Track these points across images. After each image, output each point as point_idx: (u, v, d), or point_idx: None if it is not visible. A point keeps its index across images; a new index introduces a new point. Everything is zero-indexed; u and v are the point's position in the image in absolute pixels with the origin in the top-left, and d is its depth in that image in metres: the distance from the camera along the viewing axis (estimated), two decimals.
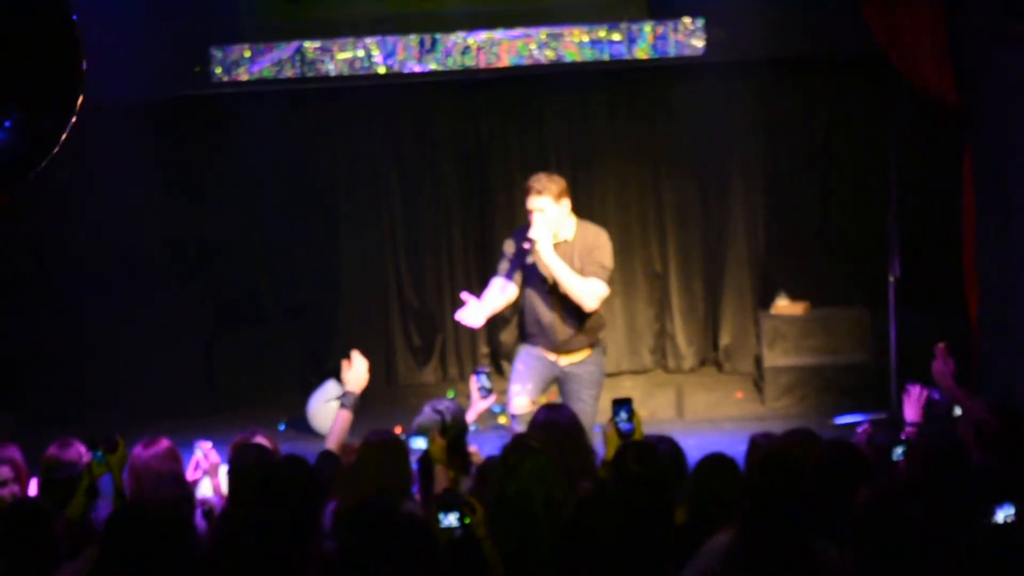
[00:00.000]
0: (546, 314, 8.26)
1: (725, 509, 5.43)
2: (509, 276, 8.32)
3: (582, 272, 8.12)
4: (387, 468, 6.08)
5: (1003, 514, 4.98)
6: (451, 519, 5.29)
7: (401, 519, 5.20)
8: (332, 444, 6.79)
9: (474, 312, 8.14)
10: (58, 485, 6.33)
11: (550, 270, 8.09)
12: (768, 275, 11.73)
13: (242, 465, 6.28)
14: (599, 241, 8.26)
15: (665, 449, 6.14)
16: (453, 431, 6.71)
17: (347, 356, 11.65)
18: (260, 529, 5.19)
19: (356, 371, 7.16)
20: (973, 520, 5.03)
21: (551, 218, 8.09)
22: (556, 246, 8.14)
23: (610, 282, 8.36)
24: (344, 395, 7.08)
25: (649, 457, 5.69)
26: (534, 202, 8.09)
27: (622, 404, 6.31)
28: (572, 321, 8.23)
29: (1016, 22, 8.33)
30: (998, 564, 4.68)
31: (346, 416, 6.93)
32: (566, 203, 8.17)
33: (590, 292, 8.12)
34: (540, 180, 8.14)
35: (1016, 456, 5.95)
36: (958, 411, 6.58)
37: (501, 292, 8.33)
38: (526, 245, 8.20)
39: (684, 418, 10.93)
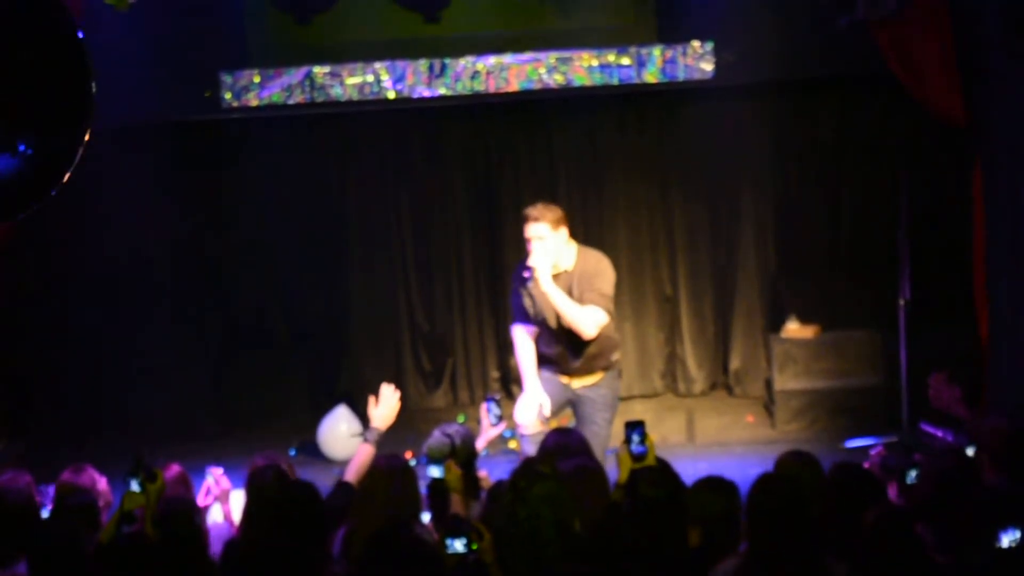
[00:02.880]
0: (554, 342, 8.26)
1: (728, 532, 5.43)
2: (527, 319, 8.31)
3: (581, 300, 8.11)
4: (396, 493, 6.06)
5: (1008, 539, 4.96)
6: (458, 545, 5.27)
7: (410, 544, 5.19)
8: (350, 477, 6.78)
9: (532, 407, 8.17)
10: (73, 509, 6.32)
11: (548, 299, 8.09)
12: (778, 298, 11.71)
13: (259, 485, 6.27)
14: (599, 268, 8.25)
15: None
16: (462, 456, 6.70)
17: (358, 380, 11.82)
18: (270, 553, 5.19)
19: (385, 408, 7.13)
20: (984, 543, 5.01)
21: (549, 247, 8.09)
22: (556, 276, 8.14)
23: (615, 307, 8.36)
24: (369, 431, 7.05)
25: (663, 480, 5.68)
26: (532, 230, 8.10)
27: (635, 427, 6.29)
28: (580, 348, 8.23)
29: (1021, 38, 8.33)
30: None
31: (368, 451, 6.89)
32: (564, 231, 8.16)
33: (588, 320, 8.09)
34: (537, 208, 8.15)
35: None
36: (971, 451, 6.53)
37: (531, 338, 8.35)
38: (526, 274, 8.20)
39: (695, 442, 10.89)
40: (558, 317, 8.16)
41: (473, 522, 5.54)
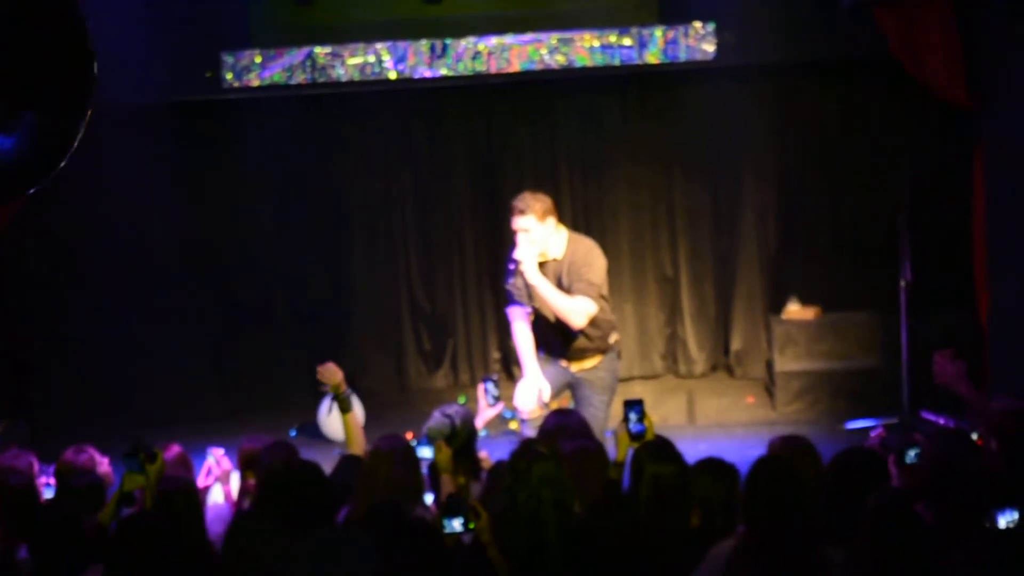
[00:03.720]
0: (550, 328, 8.25)
1: (727, 515, 5.43)
2: (524, 303, 8.30)
3: (570, 289, 8.09)
4: (397, 474, 6.07)
5: (1005, 519, 4.96)
6: (456, 524, 5.30)
7: (410, 524, 5.21)
8: (356, 449, 6.81)
9: (532, 392, 8.16)
10: (77, 490, 6.33)
11: (535, 290, 8.09)
12: (779, 279, 11.72)
13: (270, 463, 6.28)
14: (588, 257, 8.20)
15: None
16: (462, 436, 6.70)
17: (360, 361, 11.87)
18: (278, 532, 5.21)
19: (325, 372, 7.14)
20: (983, 524, 5.02)
21: (536, 238, 8.06)
22: (544, 264, 8.12)
23: (615, 288, 8.35)
24: (333, 399, 7.08)
25: (666, 456, 5.69)
26: (518, 222, 8.05)
27: (633, 405, 6.29)
28: (576, 334, 8.21)
29: None
30: (1008, 568, 4.67)
31: (351, 419, 6.94)
32: (551, 221, 8.12)
33: (576, 310, 8.05)
34: (524, 199, 8.10)
35: None
36: (974, 436, 6.53)
37: (527, 320, 8.34)
38: (511, 266, 8.20)
39: (695, 423, 10.90)
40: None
41: (471, 502, 5.56)
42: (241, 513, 6.09)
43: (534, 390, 8.11)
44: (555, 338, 8.26)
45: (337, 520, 5.90)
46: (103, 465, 6.87)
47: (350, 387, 6.87)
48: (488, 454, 7.15)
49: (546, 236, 8.11)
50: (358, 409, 10.82)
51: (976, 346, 9.70)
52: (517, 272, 8.20)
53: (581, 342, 8.24)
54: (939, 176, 10.90)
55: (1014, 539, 4.88)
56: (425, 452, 6.46)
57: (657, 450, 5.78)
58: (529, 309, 8.30)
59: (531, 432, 7.74)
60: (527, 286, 8.17)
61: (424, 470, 6.45)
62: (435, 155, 12.07)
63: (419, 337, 12.27)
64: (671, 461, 5.68)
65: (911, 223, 10.02)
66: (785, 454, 5.95)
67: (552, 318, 8.19)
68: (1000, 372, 9.45)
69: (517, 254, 8.06)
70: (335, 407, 7.15)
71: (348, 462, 6.65)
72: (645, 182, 11.98)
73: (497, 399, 7.42)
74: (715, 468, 5.67)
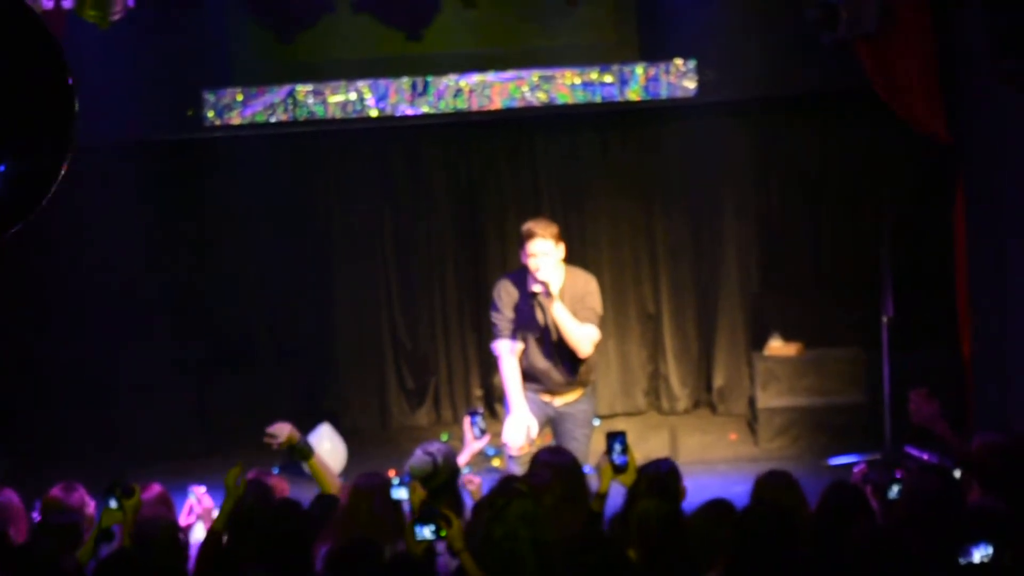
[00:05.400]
0: (542, 361, 8.27)
1: (716, 552, 5.42)
2: (514, 335, 8.30)
3: (575, 318, 8.13)
4: (378, 512, 6.07)
5: (979, 554, 4.96)
6: (426, 532, 5.31)
7: (391, 560, 5.20)
8: (332, 489, 6.80)
9: (520, 429, 8.14)
10: (57, 528, 6.30)
11: (553, 315, 8.09)
12: (761, 315, 11.71)
13: (243, 500, 6.27)
14: (589, 287, 8.28)
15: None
16: (444, 473, 6.70)
17: (342, 398, 11.82)
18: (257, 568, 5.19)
19: (277, 430, 7.17)
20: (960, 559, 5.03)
21: (555, 262, 8.10)
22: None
23: (601, 325, 8.38)
24: (292, 452, 7.13)
25: (661, 492, 5.67)
26: (538, 245, 8.05)
27: (616, 436, 6.29)
28: (567, 366, 8.26)
29: (1005, 59, 8.35)
30: None
31: (315, 463, 6.97)
32: (562, 247, 8.17)
33: (587, 338, 8.15)
34: (540, 224, 8.13)
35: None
36: (957, 474, 6.53)
37: (515, 356, 8.33)
38: (536, 289, 8.15)
39: (678, 460, 10.67)
40: (546, 335, 8.19)
41: (442, 509, 5.56)
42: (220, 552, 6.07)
43: (523, 426, 8.12)
44: (547, 370, 8.28)
45: (314, 558, 5.88)
46: (90, 507, 6.83)
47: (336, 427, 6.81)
48: (481, 480, 7.14)
49: (559, 262, 8.15)
50: (340, 447, 10.82)
51: (959, 381, 9.72)
52: (500, 308, 8.21)
53: (569, 378, 8.29)
54: (921, 211, 10.92)
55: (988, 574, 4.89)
56: (401, 493, 6.45)
57: (653, 485, 5.76)
58: (516, 344, 8.30)
59: (518, 468, 7.75)
60: (534, 313, 8.18)
61: (406, 508, 6.44)
62: (416, 192, 12.06)
63: (401, 375, 12.23)
64: (666, 499, 5.66)
65: (893, 258, 10.04)
66: (771, 494, 5.94)
67: (553, 347, 8.20)
68: (983, 407, 9.46)
69: (543, 276, 8.05)
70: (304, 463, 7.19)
71: (322, 500, 6.64)
72: (626, 219, 11.97)
73: (483, 431, 7.43)
74: (715, 511, 5.65)
